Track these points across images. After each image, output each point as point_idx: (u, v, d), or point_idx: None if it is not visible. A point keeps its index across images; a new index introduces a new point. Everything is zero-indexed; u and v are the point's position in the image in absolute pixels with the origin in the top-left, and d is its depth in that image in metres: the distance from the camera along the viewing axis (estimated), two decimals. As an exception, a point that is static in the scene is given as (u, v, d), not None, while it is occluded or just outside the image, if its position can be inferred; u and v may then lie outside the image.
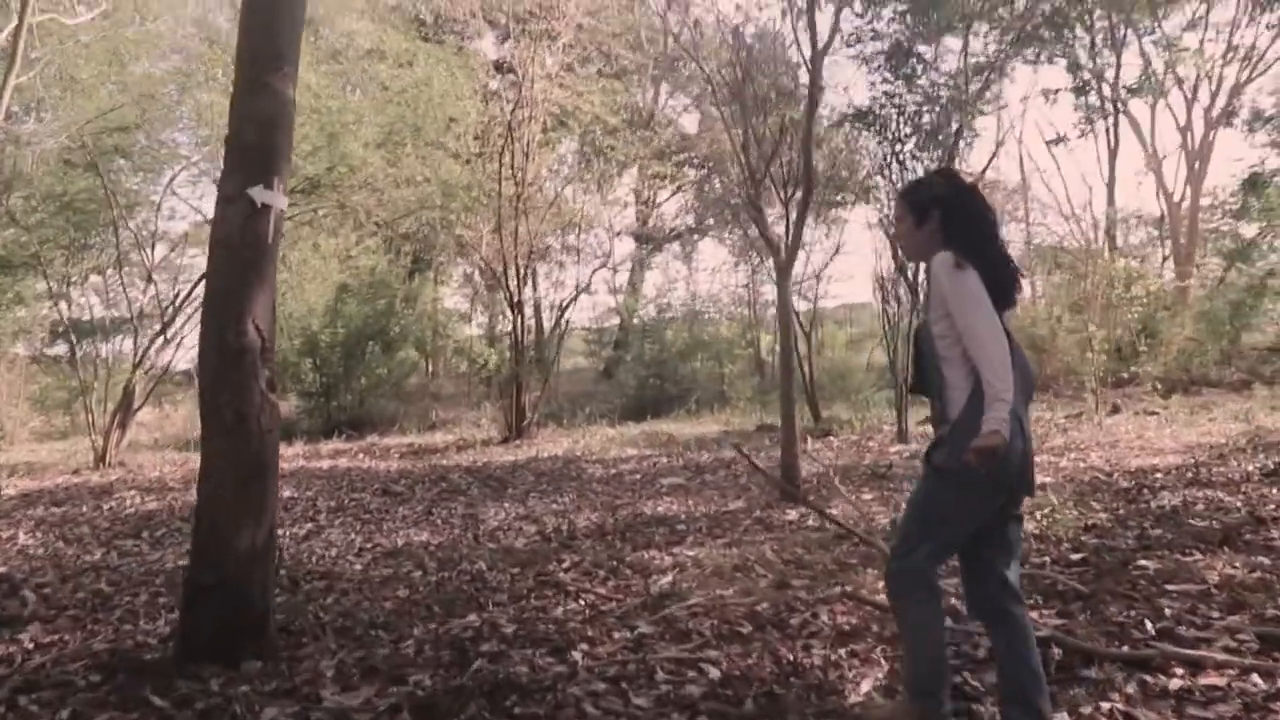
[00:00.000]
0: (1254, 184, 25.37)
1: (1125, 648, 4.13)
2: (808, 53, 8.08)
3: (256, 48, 4.35)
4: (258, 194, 4.20)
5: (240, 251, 4.22)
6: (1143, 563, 5.47)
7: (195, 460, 13.07)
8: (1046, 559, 5.72)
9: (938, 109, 12.47)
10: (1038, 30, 18.78)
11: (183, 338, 14.56)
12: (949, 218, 3.39)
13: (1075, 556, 5.72)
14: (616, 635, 4.53)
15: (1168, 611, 4.54)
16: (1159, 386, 14.26)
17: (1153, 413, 13.37)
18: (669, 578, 5.65)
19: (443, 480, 10.44)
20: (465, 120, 14.37)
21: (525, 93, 14.57)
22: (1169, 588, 4.94)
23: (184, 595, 4.21)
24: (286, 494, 9.46)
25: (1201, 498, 7.34)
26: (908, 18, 12.50)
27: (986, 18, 16.21)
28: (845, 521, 6.61)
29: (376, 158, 12.85)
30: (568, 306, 17.96)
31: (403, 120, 13.61)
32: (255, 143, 4.27)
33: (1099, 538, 6.24)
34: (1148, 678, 3.78)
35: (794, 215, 8.81)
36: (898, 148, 12.12)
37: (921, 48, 12.88)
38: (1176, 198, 26.89)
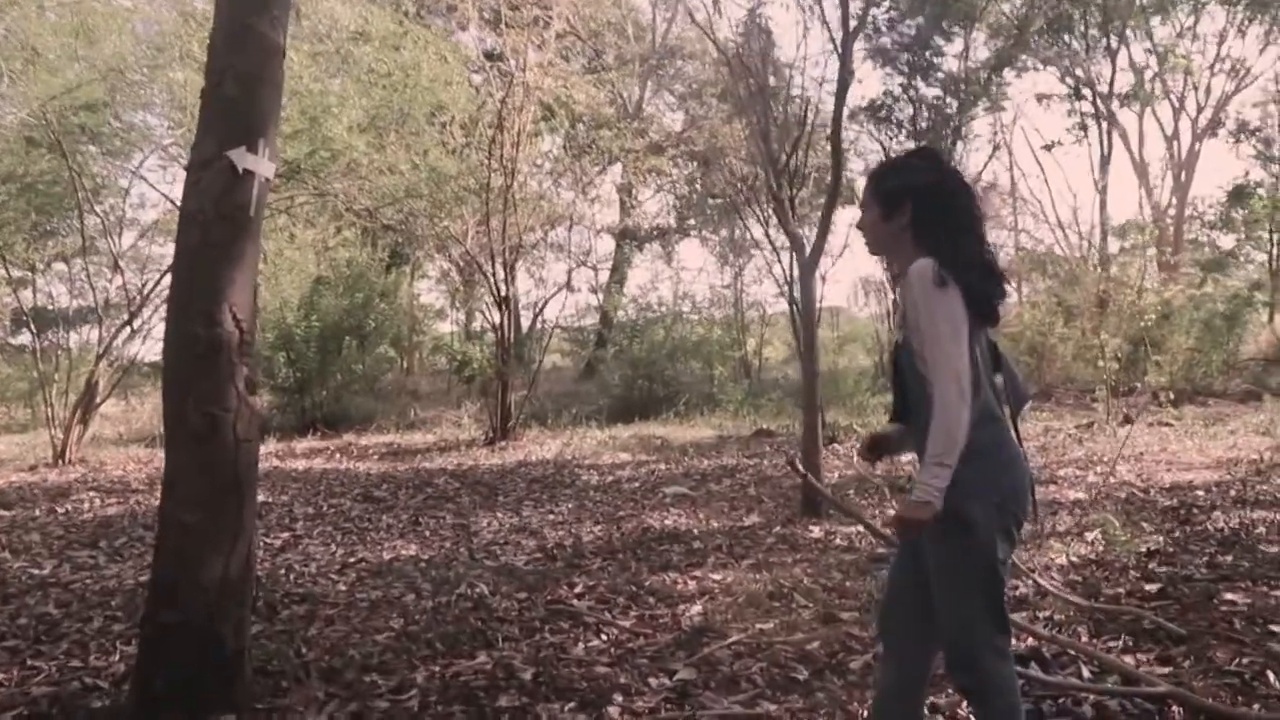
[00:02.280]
0: (1239, 195, 25.22)
1: (1257, 707, 3.54)
2: (838, 36, 7.47)
3: (240, -16, 3.67)
4: (239, 157, 3.52)
5: (215, 226, 3.54)
6: (1229, 596, 4.89)
7: (161, 458, 12.33)
8: (1120, 590, 5.12)
9: (946, 106, 11.94)
10: (1035, 35, 18.42)
11: (150, 329, 13.83)
12: (924, 213, 2.73)
13: (1151, 588, 5.13)
14: (654, 682, 3.88)
15: (1287, 660, 3.96)
16: (1171, 397, 13.73)
17: (1167, 424, 12.83)
18: (698, 607, 5.01)
19: (428, 485, 9.75)
20: (455, 107, 13.66)
21: (517, 81, 13.89)
22: (1275, 629, 4.35)
23: (142, 635, 3.53)
24: (260, 499, 8.72)
25: (1260, 520, 6.78)
26: (926, 8, 11.93)
27: (987, 19, 15.78)
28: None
29: (361, 143, 12.12)
30: (546, 303, 17.29)
31: (388, 105, 12.89)
32: (237, 98, 3.58)
33: (1166, 565, 5.66)
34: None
35: (790, 213, 8.24)
36: (910, 144, 11.53)
37: (937, 41, 12.34)
38: (1163, 207, 26.66)
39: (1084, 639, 4.38)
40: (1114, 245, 24.79)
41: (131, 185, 14.41)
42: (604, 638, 4.52)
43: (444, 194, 13.30)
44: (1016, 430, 2.80)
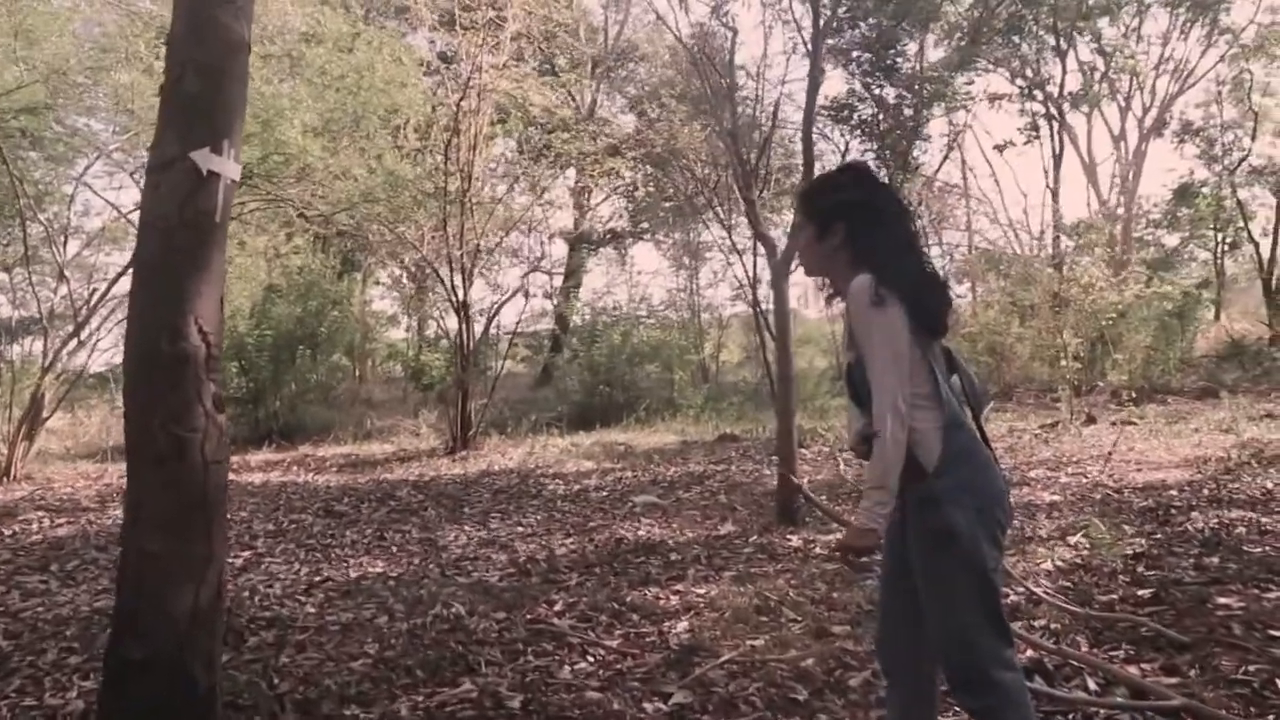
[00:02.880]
0: (1184, 194, 25.52)
1: (1272, 719, 3.43)
2: (808, 32, 7.34)
3: (201, -27, 3.43)
4: (203, 159, 3.29)
5: (178, 232, 3.30)
6: (1223, 601, 4.81)
7: (111, 473, 11.99)
8: (1113, 596, 5.02)
9: (907, 105, 11.88)
10: (990, 37, 18.49)
11: (98, 339, 13.41)
12: (858, 232, 2.68)
13: (1143, 593, 5.03)
14: (649, 707, 3.71)
15: (1295, 666, 3.86)
16: (1133, 395, 13.77)
17: (1130, 423, 12.84)
18: (685, 624, 4.84)
19: (390, 498, 9.49)
20: (410, 109, 13.38)
21: (473, 82, 13.65)
22: (1276, 634, 4.26)
23: (105, 672, 3.29)
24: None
25: (1239, 519, 6.73)
26: (888, 6, 11.85)
27: (944, 20, 15.76)
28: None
29: (316, 147, 11.81)
30: (500, 309, 16.98)
31: (343, 108, 12.58)
32: (199, 94, 3.34)
33: (1154, 568, 5.57)
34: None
35: (758, 215, 8.15)
36: (871, 145, 11.45)
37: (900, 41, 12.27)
38: (1111, 206, 26.92)
39: (1084, 649, 4.27)
40: (1065, 244, 24.97)
41: (76, 192, 13.98)
42: (591, 659, 4.33)
43: (401, 199, 13.02)
44: (983, 433, 2.73)
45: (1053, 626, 4.56)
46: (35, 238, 13.53)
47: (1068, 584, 5.37)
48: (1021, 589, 5.12)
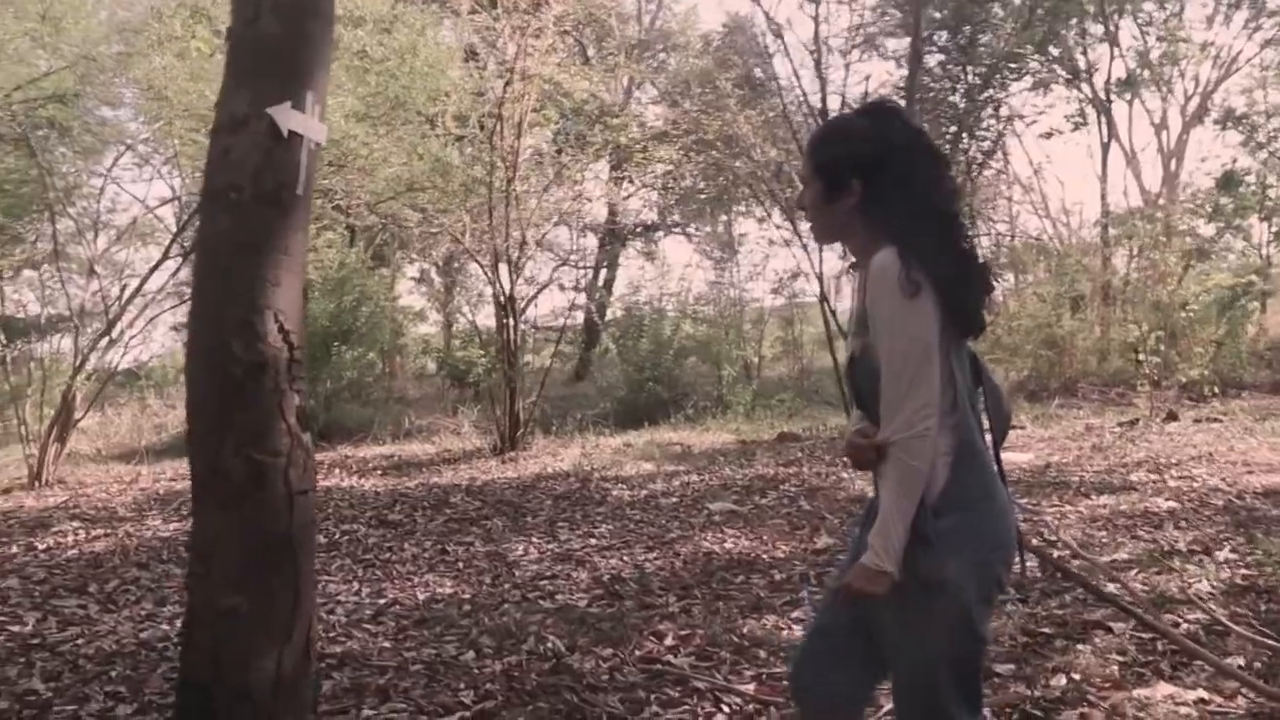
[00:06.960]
0: (1228, 181, 24.65)
1: None
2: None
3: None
4: (283, 116, 2.65)
5: (253, 208, 2.67)
6: None
7: (144, 476, 11.43)
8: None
9: (991, 86, 11.18)
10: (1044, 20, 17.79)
11: (130, 337, 12.90)
12: (878, 191, 2.04)
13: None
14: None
15: None
16: (1214, 390, 13.01)
17: (1215, 420, 12.10)
18: (820, 663, 4.18)
19: (445, 505, 8.87)
20: (456, 93, 12.76)
21: (517, 66, 13.00)
22: None
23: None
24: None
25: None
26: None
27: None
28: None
29: (360, 131, 11.22)
30: (530, 301, 16.33)
31: (384, 93, 11.98)
32: (280, 37, 2.71)
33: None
34: None
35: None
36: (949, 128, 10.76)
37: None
38: (1154, 195, 26.14)
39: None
40: (1113, 233, 24.21)
41: (104, 187, 13.52)
42: (726, 709, 3.68)
43: (451, 185, 12.42)
44: (1000, 465, 2.14)
45: (1255, 665, 3.90)
46: (64, 233, 13.06)
47: (1241, 610, 4.69)
48: (1195, 615, 4.47)
